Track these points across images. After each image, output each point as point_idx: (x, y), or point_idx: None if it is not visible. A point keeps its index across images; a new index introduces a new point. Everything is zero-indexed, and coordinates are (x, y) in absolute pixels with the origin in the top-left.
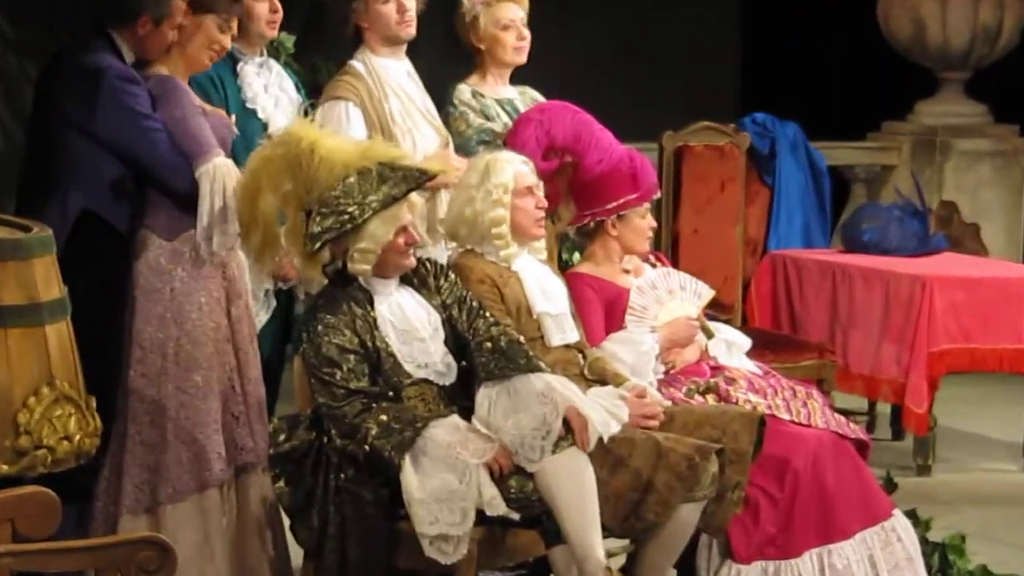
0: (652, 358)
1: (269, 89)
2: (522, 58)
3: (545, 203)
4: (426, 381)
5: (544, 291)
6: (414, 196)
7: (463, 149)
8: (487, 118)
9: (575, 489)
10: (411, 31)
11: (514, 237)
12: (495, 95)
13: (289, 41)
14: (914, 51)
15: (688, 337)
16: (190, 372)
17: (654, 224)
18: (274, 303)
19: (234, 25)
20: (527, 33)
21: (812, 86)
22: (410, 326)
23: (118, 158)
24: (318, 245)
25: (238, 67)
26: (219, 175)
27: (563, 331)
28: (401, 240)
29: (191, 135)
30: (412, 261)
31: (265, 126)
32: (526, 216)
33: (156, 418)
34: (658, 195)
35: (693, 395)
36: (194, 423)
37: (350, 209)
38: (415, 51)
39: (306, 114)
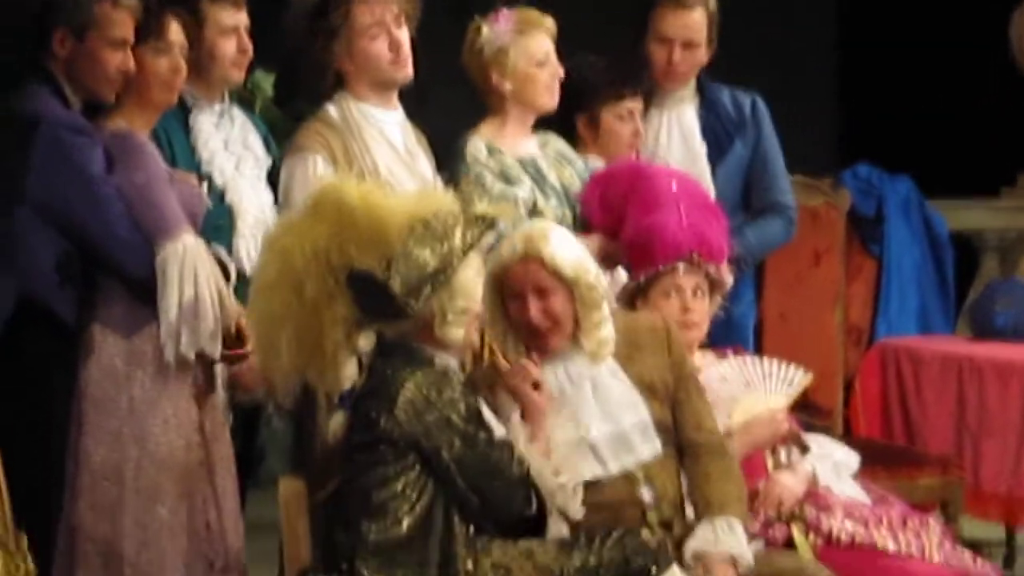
0: None
1: (230, 146)
2: (555, 102)
3: (535, 313)
4: None
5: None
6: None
7: None
8: (507, 181)
9: None
10: (408, 72)
11: None
12: (515, 151)
13: (267, 81)
14: None
15: (772, 435)
16: (153, 503)
17: (691, 307)
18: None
19: (173, 36)
20: (561, 70)
21: (928, 132)
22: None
23: (60, 230)
24: (420, 303)
25: (191, 118)
26: (189, 258)
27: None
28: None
29: (155, 206)
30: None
31: (222, 195)
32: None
33: (110, 561)
34: (721, 268)
35: (773, 524)
36: (158, 568)
37: (431, 261)
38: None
39: (271, 176)
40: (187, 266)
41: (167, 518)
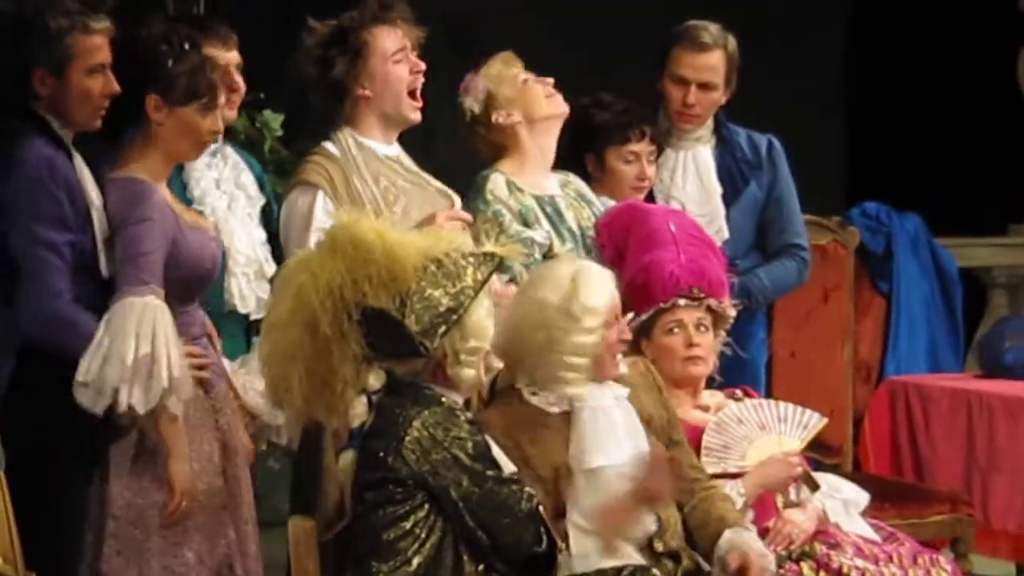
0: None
1: (222, 185)
2: (563, 107)
3: (628, 335)
4: None
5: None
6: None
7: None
8: (525, 223)
9: None
10: (418, 115)
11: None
12: (535, 189)
13: (276, 121)
14: None
15: (785, 478)
16: (180, 547)
17: (695, 342)
18: None
19: (221, 98)
20: (554, 91)
21: (936, 169)
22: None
23: None
24: (435, 342)
25: None
26: (148, 315)
27: None
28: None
29: (135, 259)
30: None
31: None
32: (609, 350)
33: None
34: (722, 302)
35: (784, 563)
36: None
37: (444, 300)
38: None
39: (265, 214)
40: (145, 322)
41: (193, 562)
